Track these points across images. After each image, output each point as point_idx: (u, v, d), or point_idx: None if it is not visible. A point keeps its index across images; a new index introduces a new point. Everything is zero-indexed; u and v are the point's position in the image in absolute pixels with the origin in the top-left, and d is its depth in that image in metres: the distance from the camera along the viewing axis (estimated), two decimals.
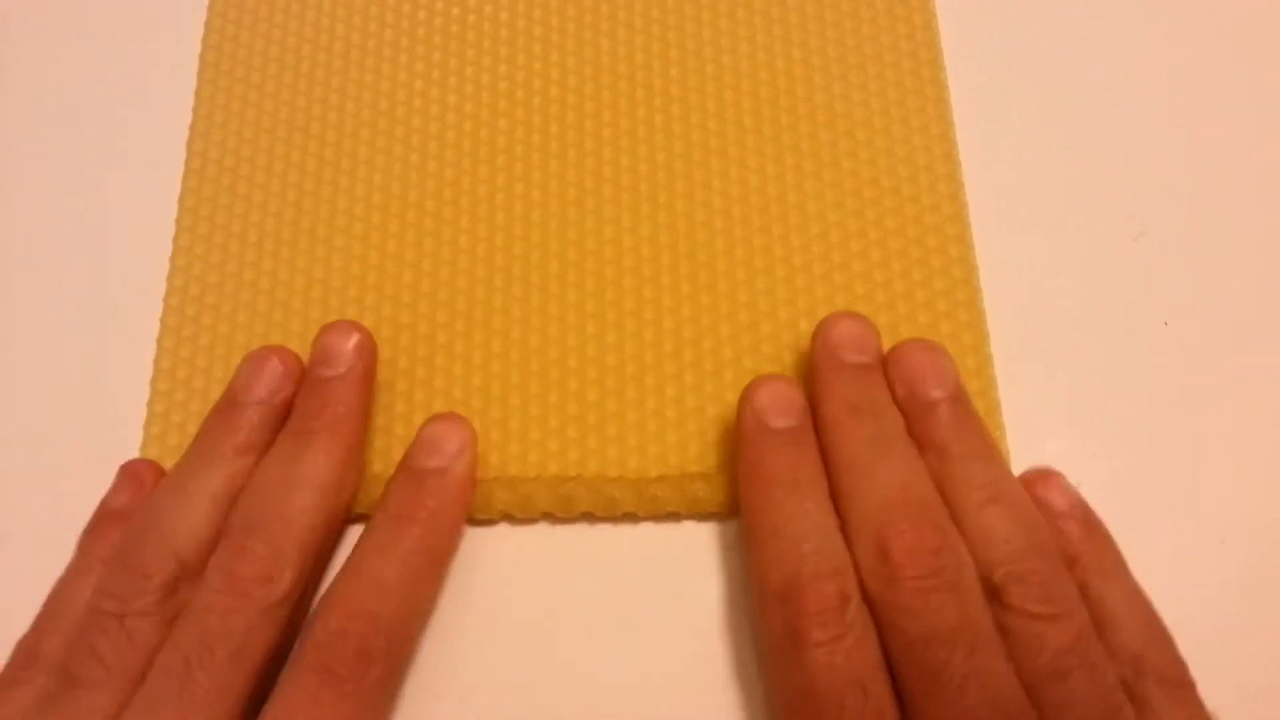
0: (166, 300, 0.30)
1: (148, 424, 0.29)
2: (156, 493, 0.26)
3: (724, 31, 0.33)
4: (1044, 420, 0.28)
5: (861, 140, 0.32)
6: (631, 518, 0.28)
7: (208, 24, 0.34)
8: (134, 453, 0.28)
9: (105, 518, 0.27)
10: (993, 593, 0.23)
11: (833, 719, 0.22)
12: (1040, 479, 0.26)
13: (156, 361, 0.29)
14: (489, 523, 0.28)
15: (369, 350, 0.28)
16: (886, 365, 0.27)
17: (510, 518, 0.28)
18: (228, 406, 0.27)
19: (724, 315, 0.30)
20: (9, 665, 0.24)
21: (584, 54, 0.33)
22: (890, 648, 0.23)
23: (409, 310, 0.30)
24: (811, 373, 0.27)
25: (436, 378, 0.29)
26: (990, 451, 0.26)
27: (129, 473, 0.28)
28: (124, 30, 0.35)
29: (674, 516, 0.28)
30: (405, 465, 0.26)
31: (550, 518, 0.28)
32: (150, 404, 0.29)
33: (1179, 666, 0.23)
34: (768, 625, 0.24)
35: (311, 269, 0.30)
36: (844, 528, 0.24)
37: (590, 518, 0.28)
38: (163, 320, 0.30)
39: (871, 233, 0.30)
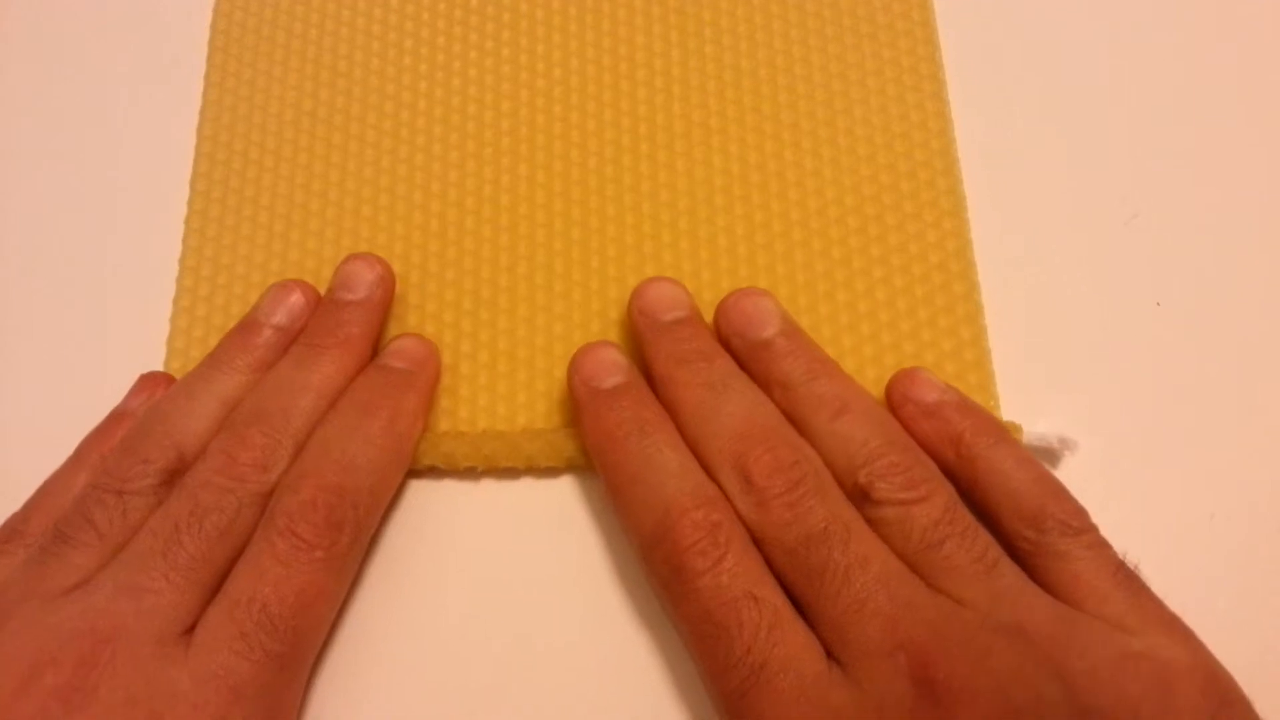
0: (179, 282, 0.31)
1: None
2: (166, 393, 0.27)
3: (724, 12, 0.34)
4: (1037, 399, 0.29)
5: (858, 118, 0.32)
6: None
7: (215, 10, 0.35)
8: None
9: (113, 418, 0.28)
10: (860, 494, 0.24)
11: (735, 635, 0.22)
12: (908, 378, 0.27)
13: (169, 344, 0.30)
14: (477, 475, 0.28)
15: (389, 283, 0.29)
16: (716, 323, 0.28)
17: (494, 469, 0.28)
18: (246, 325, 0.28)
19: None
20: None
21: (586, 44, 0.33)
22: (775, 563, 0.24)
23: (416, 290, 0.30)
24: (637, 340, 0.28)
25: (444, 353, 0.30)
26: (830, 369, 0.27)
27: (145, 381, 0.29)
28: (133, 12, 0.35)
29: None
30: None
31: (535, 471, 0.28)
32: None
33: (1080, 515, 0.24)
34: (653, 570, 0.25)
35: (320, 251, 0.31)
36: (705, 467, 0.25)
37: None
38: (175, 303, 0.31)
39: (869, 214, 0.31)
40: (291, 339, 0.28)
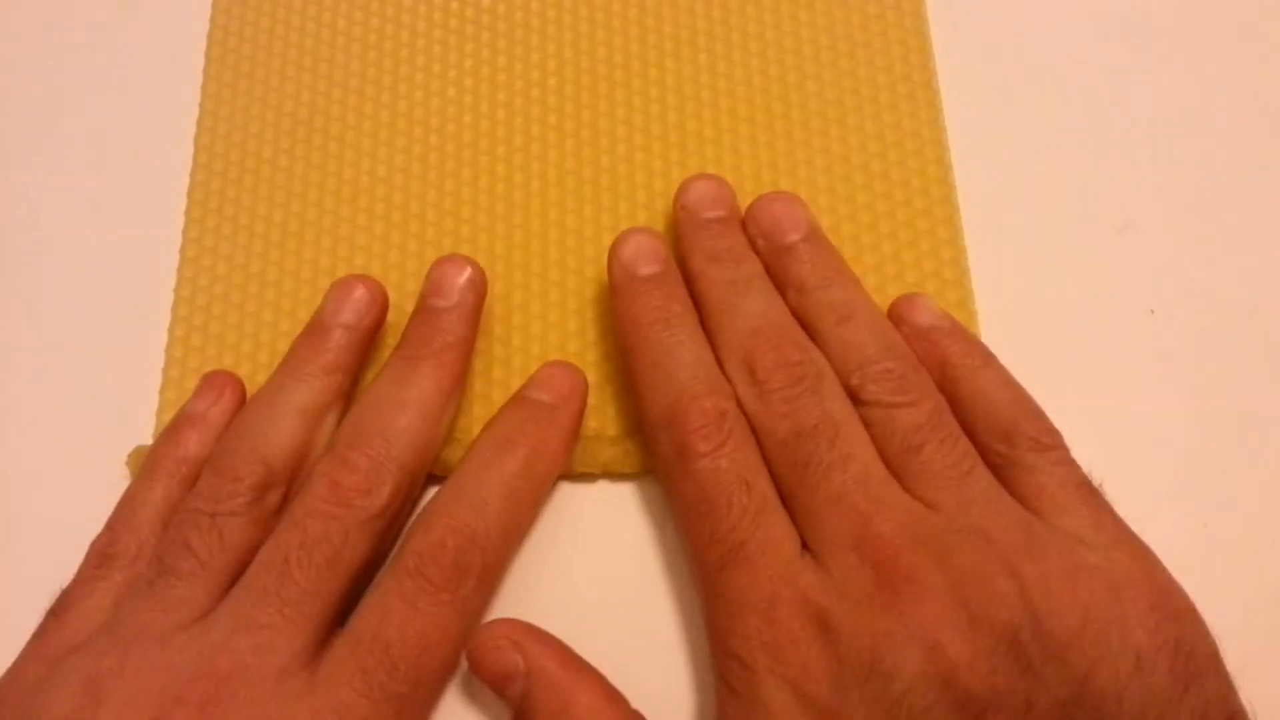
0: (177, 291, 0.31)
1: (160, 412, 0.29)
2: (246, 406, 0.28)
3: (717, 21, 0.34)
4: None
5: (852, 128, 0.32)
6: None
7: (212, 19, 0.35)
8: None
9: (182, 422, 0.28)
10: (854, 394, 0.26)
11: (724, 514, 0.24)
12: (906, 303, 0.28)
13: (168, 352, 0.30)
14: None
15: (480, 285, 0.28)
16: (745, 222, 0.29)
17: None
18: (315, 329, 0.28)
19: None
20: (85, 565, 0.26)
21: (580, 53, 0.34)
22: (768, 455, 0.25)
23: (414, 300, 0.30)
24: (677, 232, 0.29)
25: None
26: (843, 277, 0.28)
27: (210, 381, 0.29)
28: (130, 18, 0.35)
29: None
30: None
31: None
32: (162, 391, 0.30)
33: (1051, 434, 0.25)
34: (658, 449, 0.26)
35: (318, 259, 0.31)
36: (718, 359, 0.27)
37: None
38: (173, 311, 0.31)
39: (863, 222, 0.31)
40: (360, 335, 0.28)
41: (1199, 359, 0.30)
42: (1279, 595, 0.27)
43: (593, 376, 0.29)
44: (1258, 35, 0.34)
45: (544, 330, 0.30)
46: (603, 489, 0.29)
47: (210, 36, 0.34)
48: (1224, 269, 0.30)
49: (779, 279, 0.28)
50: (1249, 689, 0.22)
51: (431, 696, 0.25)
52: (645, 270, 0.28)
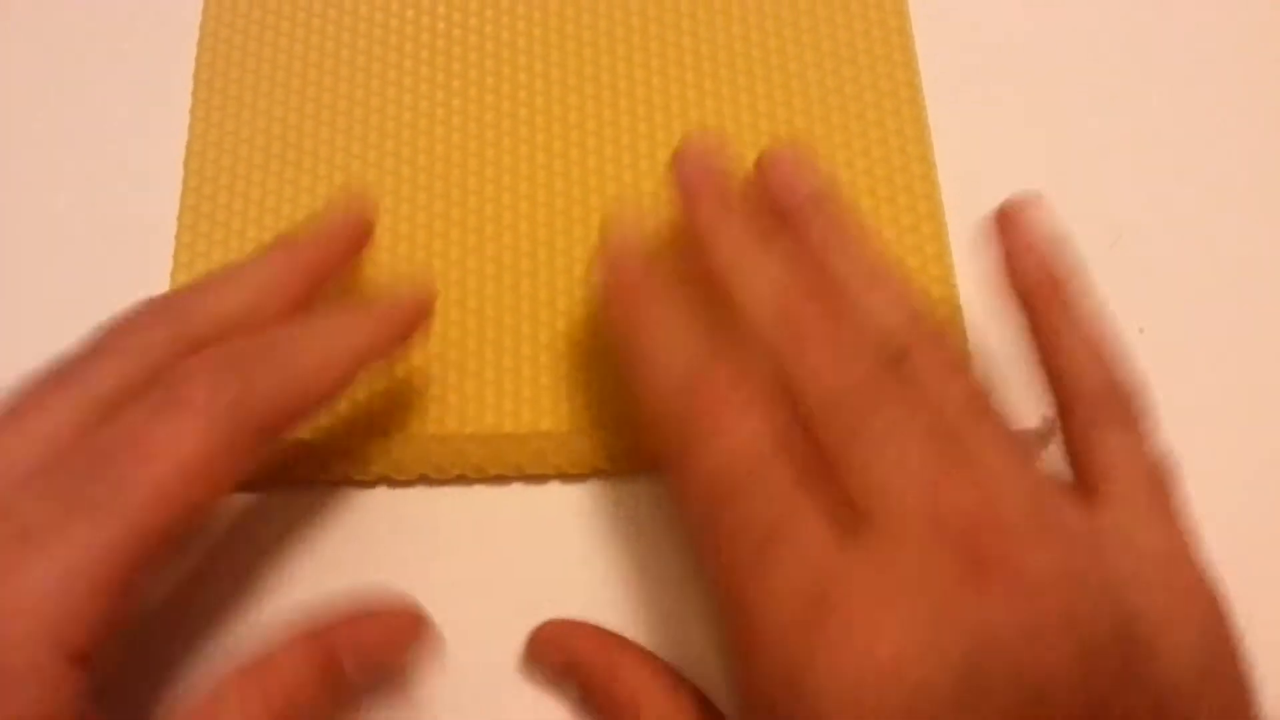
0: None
1: None
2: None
3: (704, 39, 0.34)
4: (1019, 425, 0.29)
5: (838, 144, 0.32)
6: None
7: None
8: None
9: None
10: (892, 363, 0.22)
11: (751, 495, 0.21)
12: (1003, 220, 0.26)
13: None
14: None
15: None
16: (756, 178, 0.27)
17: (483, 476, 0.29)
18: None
19: None
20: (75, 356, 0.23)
21: (569, 72, 0.34)
22: (808, 421, 0.22)
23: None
24: (675, 199, 0.27)
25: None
26: (864, 238, 0.25)
27: None
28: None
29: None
30: None
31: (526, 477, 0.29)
32: None
33: (1134, 394, 0.23)
34: (663, 433, 0.23)
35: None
36: (739, 326, 0.24)
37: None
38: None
39: None
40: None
41: (1190, 378, 0.29)
42: (1271, 614, 0.27)
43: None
44: (1250, 47, 0.33)
45: (552, 317, 0.30)
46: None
47: (199, 60, 0.35)
48: (1215, 287, 0.30)
49: (799, 237, 0.25)
50: None
51: None
52: (632, 262, 0.26)
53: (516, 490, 0.29)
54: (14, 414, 0.22)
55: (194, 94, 0.34)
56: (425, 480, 0.29)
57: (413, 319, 0.26)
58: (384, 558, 0.28)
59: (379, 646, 0.25)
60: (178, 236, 0.32)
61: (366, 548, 0.28)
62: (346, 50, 0.34)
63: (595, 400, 0.29)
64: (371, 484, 0.29)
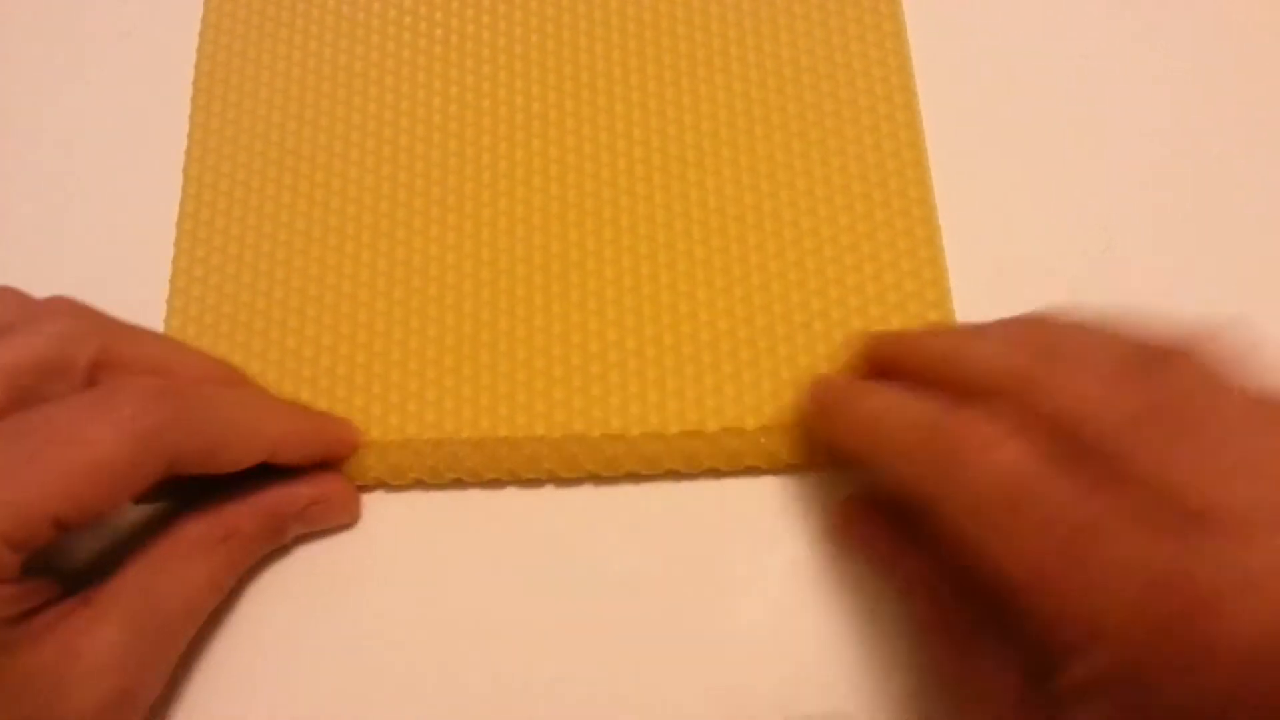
0: (167, 322, 0.31)
1: None
2: None
3: (697, 50, 0.34)
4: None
5: (833, 149, 0.32)
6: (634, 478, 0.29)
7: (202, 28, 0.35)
8: None
9: None
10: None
11: (1048, 489, 0.21)
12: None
13: None
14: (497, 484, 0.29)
15: None
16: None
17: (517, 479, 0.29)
18: None
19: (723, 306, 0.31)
20: None
21: (565, 79, 0.34)
22: (1094, 441, 0.21)
23: (401, 309, 0.31)
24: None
25: (428, 368, 0.30)
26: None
27: None
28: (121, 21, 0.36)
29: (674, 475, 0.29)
30: None
31: (556, 479, 0.29)
32: None
33: None
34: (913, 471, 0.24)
35: (305, 287, 0.31)
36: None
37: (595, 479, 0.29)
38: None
39: (844, 245, 0.31)
40: None
41: None
42: None
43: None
44: (1243, 53, 0.33)
45: (547, 322, 0.30)
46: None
47: (198, 67, 0.35)
48: (1208, 293, 0.30)
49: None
50: None
51: None
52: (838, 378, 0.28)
53: (510, 494, 0.29)
54: None
55: (194, 96, 0.34)
56: (421, 485, 0.29)
57: (334, 446, 0.29)
58: (384, 559, 0.28)
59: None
60: (177, 239, 0.32)
61: (366, 550, 0.29)
62: (346, 54, 0.34)
63: (594, 404, 0.29)
64: (369, 489, 0.29)
